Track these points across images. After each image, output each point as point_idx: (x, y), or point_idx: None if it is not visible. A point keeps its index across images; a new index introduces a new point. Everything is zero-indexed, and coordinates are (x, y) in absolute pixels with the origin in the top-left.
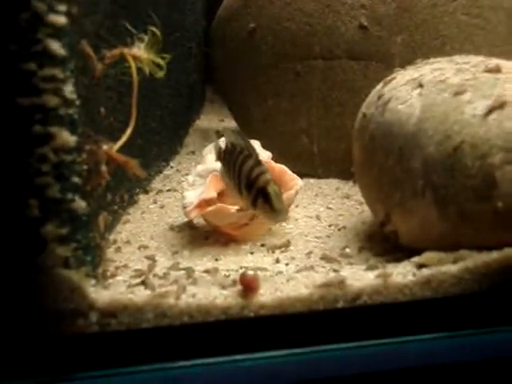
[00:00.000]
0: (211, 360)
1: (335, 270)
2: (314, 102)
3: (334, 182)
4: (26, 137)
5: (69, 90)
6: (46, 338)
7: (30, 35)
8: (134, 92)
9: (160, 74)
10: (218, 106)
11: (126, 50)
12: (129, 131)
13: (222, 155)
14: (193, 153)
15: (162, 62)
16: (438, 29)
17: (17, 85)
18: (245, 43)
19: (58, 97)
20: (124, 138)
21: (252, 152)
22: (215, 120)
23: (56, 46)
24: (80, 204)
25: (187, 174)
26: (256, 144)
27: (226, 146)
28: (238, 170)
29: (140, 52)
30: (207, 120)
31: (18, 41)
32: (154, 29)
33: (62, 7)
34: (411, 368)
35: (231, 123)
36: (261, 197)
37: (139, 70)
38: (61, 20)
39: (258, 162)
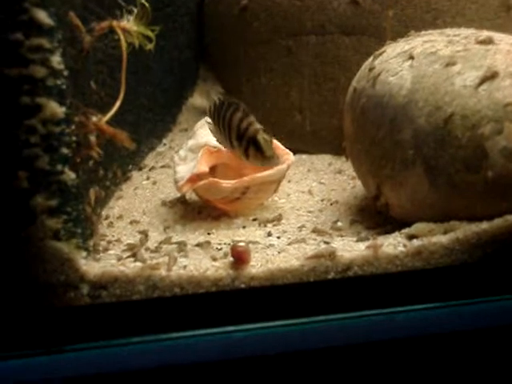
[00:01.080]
0: (202, 331)
1: (326, 242)
2: (306, 77)
3: (326, 158)
4: (14, 108)
5: (56, 60)
6: (37, 311)
7: (16, 4)
8: (123, 64)
9: (149, 47)
10: (210, 83)
11: (115, 23)
12: (118, 102)
13: (211, 111)
14: (185, 130)
15: (151, 34)
16: (429, 2)
17: (3, 55)
18: (237, 19)
19: (46, 67)
20: (114, 109)
21: (239, 105)
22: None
23: (43, 16)
24: (69, 175)
25: (178, 151)
26: None
27: (215, 102)
28: (228, 123)
29: (129, 24)
30: (200, 98)
31: (4, 10)
32: (143, 1)
33: None
34: (402, 338)
35: None
36: (252, 146)
37: (130, 45)
38: None
39: (246, 114)
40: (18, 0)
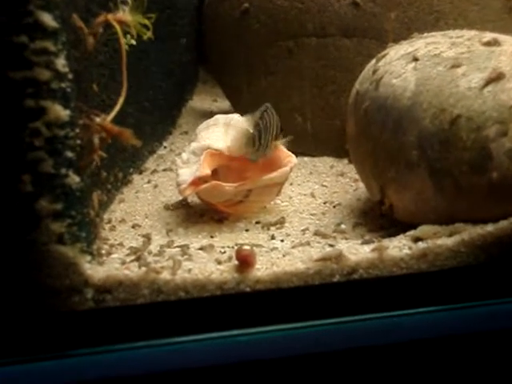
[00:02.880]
0: (208, 335)
1: (331, 245)
2: (307, 80)
3: (328, 160)
4: (18, 111)
5: (61, 63)
6: (41, 315)
7: (21, 7)
8: (122, 58)
9: (148, 35)
10: (210, 86)
11: (110, 16)
12: (121, 100)
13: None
14: (186, 133)
15: (147, 22)
16: (431, 4)
17: (8, 58)
18: (238, 22)
19: (50, 70)
20: (117, 108)
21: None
22: (208, 100)
23: (47, 18)
24: (74, 179)
25: (180, 154)
26: (249, 122)
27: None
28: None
29: (125, 15)
30: (200, 100)
31: (9, 13)
32: None
33: None
34: (408, 341)
35: (224, 103)
36: None
37: (129, 41)
38: None
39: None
40: (23, 2)
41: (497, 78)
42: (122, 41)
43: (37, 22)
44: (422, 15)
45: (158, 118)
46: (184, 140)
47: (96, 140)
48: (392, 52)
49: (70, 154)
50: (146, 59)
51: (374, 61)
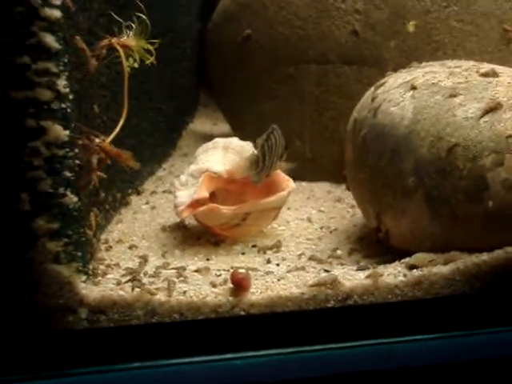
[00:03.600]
0: (201, 358)
1: (326, 271)
2: (307, 105)
3: (325, 186)
4: (19, 130)
5: (62, 84)
6: (36, 334)
7: (25, 28)
8: (124, 81)
9: (150, 60)
10: (211, 109)
11: (114, 40)
12: (121, 121)
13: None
14: (186, 155)
15: (151, 48)
16: (430, 35)
17: (10, 78)
18: (239, 47)
19: (52, 91)
20: (117, 129)
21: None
22: (208, 123)
23: (50, 40)
24: (71, 199)
25: (179, 176)
26: (249, 146)
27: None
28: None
29: (129, 40)
30: (200, 123)
31: (12, 34)
32: (140, 14)
33: (57, 1)
34: (402, 368)
35: (225, 127)
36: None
37: (132, 64)
38: (55, 14)
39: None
40: (27, 24)
41: (494, 108)
42: (125, 65)
43: (40, 44)
44: (420, 45)
45: (158, 140)
46: (184, 162)
47: (95, 160)
48: (391, 80)
49: (68, 174)
50: (147, 82)
51: (372, 88)
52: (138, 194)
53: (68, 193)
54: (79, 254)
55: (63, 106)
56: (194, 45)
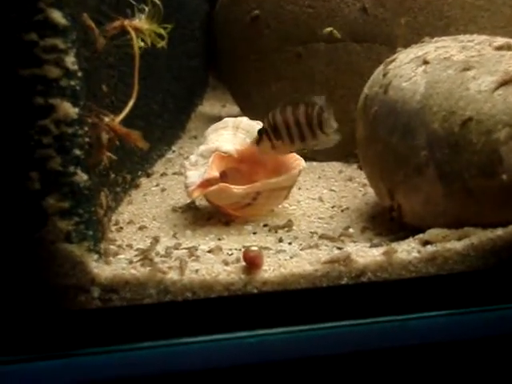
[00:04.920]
0: (214, 337)
1: (339, 248)
2: (316, 84)
3: (336, 165)
4: (27, 108)
5: (70, 60)
6: (48, 314)
7: (31, 4)
8: (136, 64)
9: (161, 44)
10: (220, 91)
11: (126, 22)
12: (131, 103)
13: None
14: (195, 137)
15: (163, 32)
16: (441, 10)
17: (18, 55)
18: (247, 28)
19: (60, 68)
20: (126, 110)
21: None
22: (217, 106)
23: (57, 16)
24: (82, 177)
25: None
26: (259, 125)
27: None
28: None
29: (141, 23)
30: (209, 105)
31: (19, 10)
32: None
33: None
34: (416, 345)
35: (233, 109)
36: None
37: (140, 48)
38: None
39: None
40: (33, 0)
41: (509, 80)
42: (137, 48)
43: (47, 20)
44: (432, 21)
45: (168, 121)
46: (193, 144)
47: (104, 139)
48: (402, 55)
49: (78, 152)
50: (155, 63)
51: (383, 65)
52: (148, 176)
53: (78, 171)
54: (90, 233)
55: (72, 83)
56: (202, 26)
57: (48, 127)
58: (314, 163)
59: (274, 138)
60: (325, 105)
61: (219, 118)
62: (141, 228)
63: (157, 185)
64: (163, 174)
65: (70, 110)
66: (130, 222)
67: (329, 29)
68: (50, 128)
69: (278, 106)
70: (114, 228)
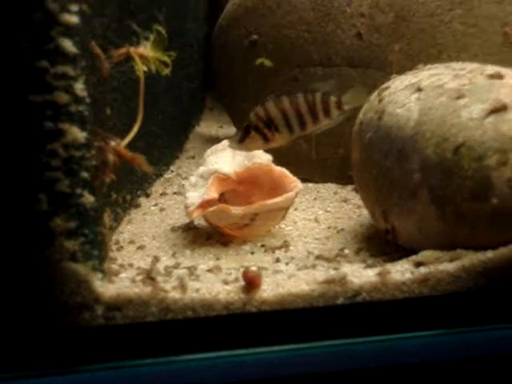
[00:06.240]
0: (214, 354)
1: (335, 269)
2: None
3: (332, 187)
4: (37, 132)
5: (79, 87)
6: (53, 330)
7: (44, 33)
8: (141, 90)
9: (166, 72)
10: (217, 112)
11: (132, 49)
12: (136, 127)
13: None
14: (192, 157)
15: (167, 60)
16: (435, 37)
17: (29, 82)
18: (246, 51)
19: (69, 94)
20: (132, 134)
21: None
22: (214, 126)
23: (68, 45)
24: (88, 199)
25: (187, 178)
26: None
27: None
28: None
29: (146, 50)
30: (206, 126)
31: (32, 39)
32: (159, 27)
33: (75, 7)
34: (409, 364)
35: (230, 129)
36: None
37: (143, 73)
38: (73, 19)
39: None
40: (46, 29)
41: (498, 108)
42: (141, 75)
43: (58, 48)
44: (425, 47)
45: (166, 142)
46: (190, 164)
47: (110, 162)
48: (397, 82)
49: (85, 175)
50: (156, 86)
51: (377, 91)
52: (147, 196)
53: (85, 193)
54: (95, 252)
55: (80, 108)
56: (200, 49)
57: (57, 151)
58: (310, 184)
59: (268, 130)
60: (334, 88)
61: (216, 139)
62: (141, 247)
63: (156, 204)
64: (162, 194)
65: (78, 134)
66: (131, 242)
67: (260, 60)
68: (59, 151)
69: (261, 103)
70: (114, 247)
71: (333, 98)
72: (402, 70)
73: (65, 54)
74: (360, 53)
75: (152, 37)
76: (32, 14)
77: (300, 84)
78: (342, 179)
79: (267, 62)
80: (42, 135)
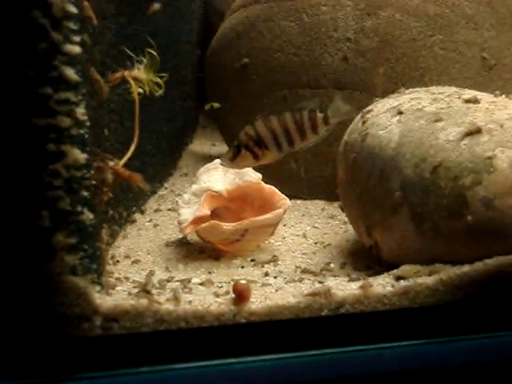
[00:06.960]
0: (205, 363)
1: (320, 282)
2: None
3: (319, 203)
4: (41, 154)
5: (81, 112)
6: (53, 340)
7: (48, 62)
8: (136, 111)
9: (159, 92)
10: (209, 131)
11: (126, 73)
12: (133, 147)
13: None
14: (186, 175)
15: (160, 81)
16: (417, 61)
17: (34, 107)
18: (237, 73)
19: (71, 118)
20: (129, 154)
21: None
22: (207, 144)
23: (70, 73)
24: (88, 216)
25: (180, 195)
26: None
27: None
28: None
29: (140, 73)
30: (199, 144)
31: (37, 67)
32: (151, 51)
33: (77, 38)
34: (389, 372)
35: (222, 147)
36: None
37: (138, 94)
38: (76, 49)
39: None
40: (49, 58)
41: (473, 131)
42: (136, 97)
43: (61, 76)
44: (408, 71)
45: (160, 160)
46: (184, 181)
47: (109, 181)
48: (379, 105)
49: (85, 193)
50: (150, 106)
51: (361, 113)
52: (142, 212)
53: (85, 210)
54: (94, 266)
55: (81, 131)
56: (193, 70)
57: (59, 171)
58: (298, 201)
59: (258, 148)
60: (317, 105)
61: (209, 157)
62: (136, 261)
63: (150, 220)
64: (156, 210)
65: (78, 155)
66: (126, 256)
67: (209, 104)
68: (61, 172)
69: (251, 122)
70: (111, 261)
71: (319, 115)
72: (386, 92)
73: (67, 82)
74: (346, 75)
75: (145, 60)
76: (37, 44)
77: (288, 104)
78: (330, 196)
79: (216, 105)
80: (45, 156)
